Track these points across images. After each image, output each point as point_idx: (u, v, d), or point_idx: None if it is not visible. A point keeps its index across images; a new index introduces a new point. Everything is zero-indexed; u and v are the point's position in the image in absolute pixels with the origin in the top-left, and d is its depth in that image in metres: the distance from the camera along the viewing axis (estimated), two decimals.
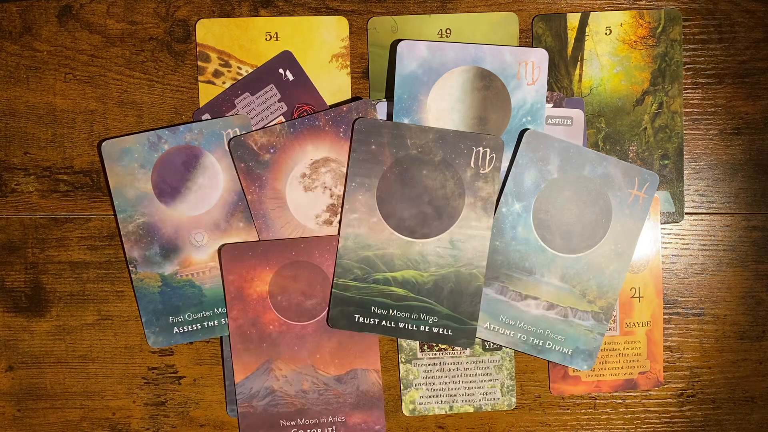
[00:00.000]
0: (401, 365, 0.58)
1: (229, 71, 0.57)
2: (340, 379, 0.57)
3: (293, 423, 0.57)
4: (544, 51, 0.55)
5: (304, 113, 0.57)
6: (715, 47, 0.58)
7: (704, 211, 0.59)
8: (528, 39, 0.58)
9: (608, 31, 0.58)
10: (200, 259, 0.57)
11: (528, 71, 0.56)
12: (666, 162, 0.58)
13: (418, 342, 0.58)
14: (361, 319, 0.56)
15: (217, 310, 0.57)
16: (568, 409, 0.60)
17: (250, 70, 0.57)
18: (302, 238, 0.56)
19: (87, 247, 0.58)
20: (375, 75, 0.58)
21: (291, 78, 0.57)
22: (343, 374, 0.57)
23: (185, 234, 0.56)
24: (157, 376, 0.59)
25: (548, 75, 0.57)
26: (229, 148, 0.56)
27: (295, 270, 0.56)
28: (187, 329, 0.57)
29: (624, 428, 0.60)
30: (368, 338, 0.57)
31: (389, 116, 0.56)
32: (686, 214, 0.59)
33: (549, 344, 0.57)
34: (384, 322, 0.56)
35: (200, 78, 0.57)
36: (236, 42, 0.57)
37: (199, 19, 0.57)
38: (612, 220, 0.56)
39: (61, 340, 0.59)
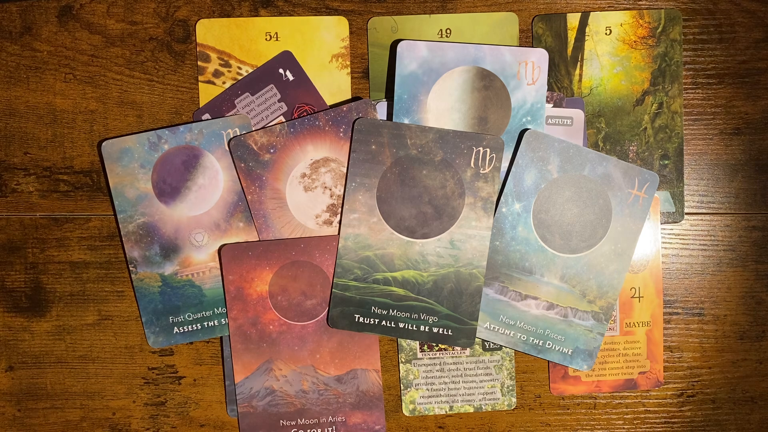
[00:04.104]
0: (401, 365, 0.58)
1: (229, 71, 0.57)
2: (340, 379, 0.57)
3: (293, 423, 0.57)
4: (544, 51, 0.55)
5: (304, 113, 0.57)
6: (715, 47, 0.58)
7: (704, 211, 0.59)
8: (528, 39, 0.58)
9: (608, 31, 0.58)
10: (200, 259, 0.57)
11: (528, 71, 0.56)
12: (666, 162, 0.58)
13: (418, 342, 0.58)
14: (361, 319, 0.56)
15: (217, 310, 0.57)
16: (568, 409, 0.60)
17: (250, 70, 0.57)
18: (302, 238, 0.56)
19: (87, 247, 0.58)
20: (375, 75, 0.58)
21: (291, 78, 0.57)
22: (343, 374, 0.57)
23: (185, 234, 0.56)
24: (157, 376, 0.59)
25: (548, 75, 0.57)
26: (229, 148, 0.56)
27: (295, 270, 0.56)
28: (187, 329, 0.57)
29: (624, 428, 0.60)
30: (368, 338, 0.57)
31: (389, 116, 0.56)
32: (686, 214, 0.59)
33: (549, 344, 0.57)
34: (384, 322, 0.56)
35: (200, 78, 0.57)
36: (236, 42, 0.57)
37: (199, 19, 0.57)
38: (612, 220, 0.56)
39: (61, 340, 0.59)
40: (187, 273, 0.57)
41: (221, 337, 0.58)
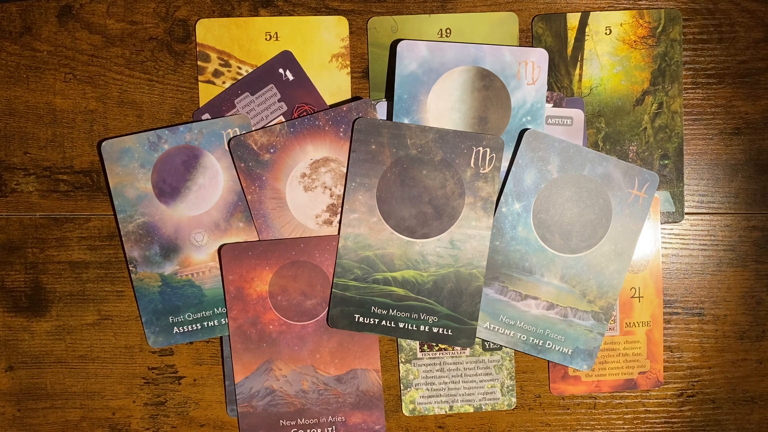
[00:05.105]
0: (401, 365, 0.58)
1: (229, 71, 0.57)
2: (340, 379, 0.57)
3: (293, 423, 0.57)
4: (544, 51, 0.55)
5: (304, 113, 0.57)
6: (715, 47, 0.58)
7: (704, 211, 0.59)
8: (528, 39, 0.58)
9: (608, 31, 0.58)
10: (200, 259, 0.57)
11: (528, 71, 0.56)
12: (666, 162, 0.58)
13: (418, 342, 0.58)
14: (361, 319, 0.56)
15: (217, 310, 0.57)
16: (568, 409, 0.60)
17: (250, 70, 0.57)
18: (302, 238, 0.56)
19: (87, 247, 0.58)
20: (375, 75, 0.58)
21: (291, 78, 0.57)
22: (343, 374, 0.57)
23: (185, 234, 0.56)
24: (157, 376, 0.59)
25: (548, 75, 0.57)
26: (229, 148, 0.56)
27: (295, 270, 0.56)
28: (187, 329, 0.57)
29: (624, 428, 0.60)
30: (368, 338, 0.57)
31: (389, 116, 0.56)
32: (686, 214, 0.59)
33: (549, 344, 0.57)
34: (384, 322, 0.56)
35: (200, 78, 0.57)
36: (236, 42, 0.57)
37: (199, 19, 0.57)
38: (612, 220, 0.56)
39: (61, 340, 0.59)
40: (187, 273, 0.57)
41: (221, 337, 0.58)
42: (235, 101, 0.57)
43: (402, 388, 0.59)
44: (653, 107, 0.58)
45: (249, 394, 0.57)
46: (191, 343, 0.59)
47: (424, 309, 0.56)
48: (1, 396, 0.59)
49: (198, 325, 0.57)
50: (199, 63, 0.57)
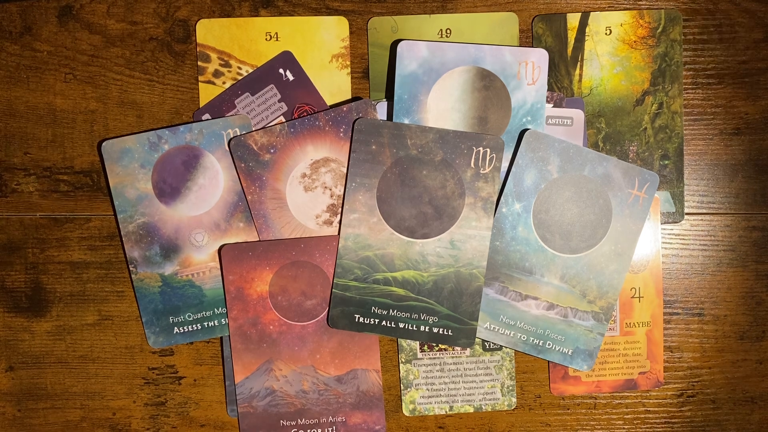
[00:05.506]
0: (401, 365, 0.58)
1: (229, 71, 0.57)
2: (340, 379, 0.57)
3: (293, 423, 0.57)
4: (544, 51, 0.55)
5: (304, 113, 0.57)
6: (715, 47, 0.58)
7: (704, 211, 0.59)
8: (528, 39, 0.58)
9: (608, 31, 0.58)
10: (200, 259, 0.57)
11: (528, 71, 0.56)
12: (666, 162, 0.58)
13: (418, 342, 0.58)
14: (361, 319, 0.56)
15: (217, 310, 0.57)
16: (568, 409, 0.60)
17: (250, 70, 0.57)
18: (302, 238, 0.56)
19: (87, 247, 0.58)
20: (375, 75, 0.58)
21: (291, 78, 0.57)
22: (343, 374, 0.57)
23: (185, 234, 0.56)
24: (157, 376, 0.59)
25: (548, 75, 0.57)
26: (229, 148, 0.56)
27: (295, 270, 0.56)
28: (187, 329, 0.57)
29: (624, 428, 0.60)
30: (368, 338, 0.57)
31: (389, 116, 0.56)
32: (686, 214, 0.59)
33: (549, 344, 0.57)
34: (384, 322, 0.56)
35: (200, 78, 0.57)
36: (236, 42, 0.57)
37: (199, 19, 0.57)
38: (612, 220, 0.56)
39: (61, 340, 0.59)
40: (187, 273, 0.57)
41: (221, 337, 0.58)
42: (236, 101, 0.57)
43: (402, 388, 0.59)
44: (653, 107, 0.58)
45: (249, 394, 0.57)
46: (191, 343, 0.59)
47: (424, 309, 0.56)
48: (1, 396, 0.59)
49: (198, 325, 0.57)
50: (199, 63, 0.57)
